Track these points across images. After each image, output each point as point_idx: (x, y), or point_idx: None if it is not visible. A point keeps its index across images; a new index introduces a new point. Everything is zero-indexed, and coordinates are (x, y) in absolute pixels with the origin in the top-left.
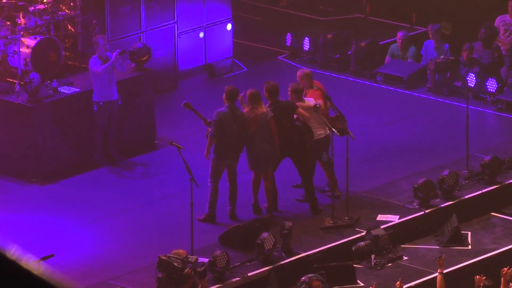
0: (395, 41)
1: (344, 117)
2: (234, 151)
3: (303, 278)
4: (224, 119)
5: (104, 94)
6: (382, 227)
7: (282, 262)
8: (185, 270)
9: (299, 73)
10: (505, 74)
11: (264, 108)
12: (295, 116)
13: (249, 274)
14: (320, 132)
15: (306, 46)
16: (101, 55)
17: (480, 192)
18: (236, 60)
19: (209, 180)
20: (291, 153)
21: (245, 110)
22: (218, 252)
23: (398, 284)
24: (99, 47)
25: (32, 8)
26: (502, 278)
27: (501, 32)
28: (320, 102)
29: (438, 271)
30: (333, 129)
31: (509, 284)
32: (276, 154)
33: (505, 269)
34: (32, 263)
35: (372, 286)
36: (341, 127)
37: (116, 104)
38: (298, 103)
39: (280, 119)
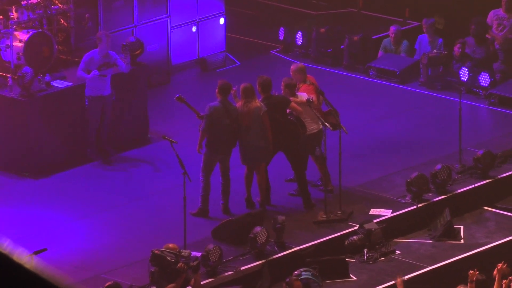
0: (388, 36)
1: (337, 112)
2: (226, 145)
3: (295, 272)
4: (216, 114)
5: (96, 89)
6: (375, 221)
7: (275, 256)
8: (178, 264)
9: (292, 67)
10: (498, 68)
11: (257, 103)
12: (288, 110)
13: (242, 268)
14: (313, 126)
15: (299, 41)
16: (102, 52)
17: (472, 186)
18: (229, 54)
19: (201, 174)
20: (284, 147)
21: (238, 104)
22: (211, 246)
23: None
24: (102, 44)
25: (25, 2)
26: (496, 274)
27: (494, 26)
28: (313, 96)
29: None
30: (326, 123)
31: (503, 280)
32: (269, 149)
33: (500, 264)
34: (24, 257)
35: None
36: (334, 121)
37: (108, 99)
38: (291, 98)
39: (273, 114)
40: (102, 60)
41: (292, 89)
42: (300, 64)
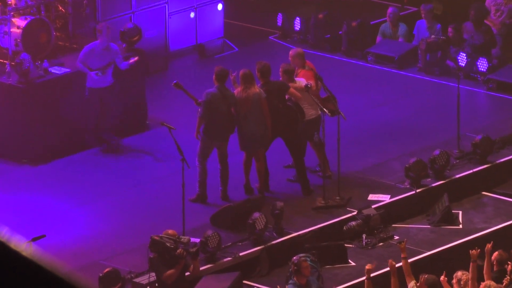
0: (386, 21)
1: (335, 98)
2: (224, 132)
3: (294, 258)
4: (213, 100)
5: (96, 81)
6: (373, 207)
7: (273, 242)
8: (178, 251)
9: (291, 52)
10: (495, 54)
11: (256, 89)
12: (286, 96)
13: (240, 254)
14: (311, 112)
15: (297, 26)
16: (102, 44)
17: (471, 171)
18: (227, 41)
19: (197, 159)
20: (283, 133)
21: (237, 90)
22: (209, 233)
23: (391, 262)
24: (102, 36)
25: None
26: (486, 255)
27: (492, 12)
28: (312, 82)
29: (402, 256)
30: (324, 109)
31: (501, 265)
32: (267, 135)
33: (488, 245)
34: (22, 244)
35: (371, 264)
36: (332, 107)
37: (109, 90)
38: (289, 84)
39: (272, 100)
40: (102, 52)
41: (290, 74)
42: (299, 49)
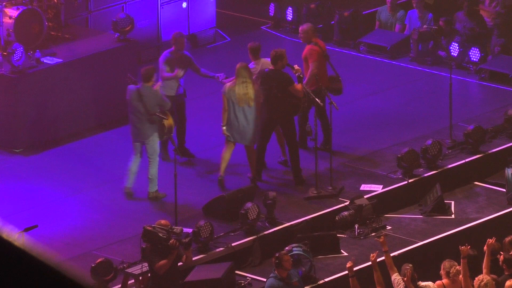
0: (376, 12)
1: (339, 77)
2: (141, 131)
3: (286, 248)
4: (130, 98)
5: (168, 89)
6: (365, 196)
7: (266, 232)
8: (170, 241)
9: (305, 27)
10: (493, 43)
11: (256, 85)
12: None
13: (233, 244)
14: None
15: (289, 16)
16: (177, 51)
17: (463, 161)
18: (219, 30)
19: None
20: (280, 122)
21: (233, 82)
22: (202, 223)
23: (372, 256)
24: (177, 45)
25: None
26: (486, 249)
27: (487, 2)
28: (314, 70)
29: (383, 249)
30: (316, 99)
31: (493, 255)
32: (254, 131)
33: (490, 240)
34: (15, 234)
35: (350, 261)
36: (338, 86)
37: (180, 98)
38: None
39: (272, 89)
40: (176, 59)
41: (253, 53)
42: (311, 24)
